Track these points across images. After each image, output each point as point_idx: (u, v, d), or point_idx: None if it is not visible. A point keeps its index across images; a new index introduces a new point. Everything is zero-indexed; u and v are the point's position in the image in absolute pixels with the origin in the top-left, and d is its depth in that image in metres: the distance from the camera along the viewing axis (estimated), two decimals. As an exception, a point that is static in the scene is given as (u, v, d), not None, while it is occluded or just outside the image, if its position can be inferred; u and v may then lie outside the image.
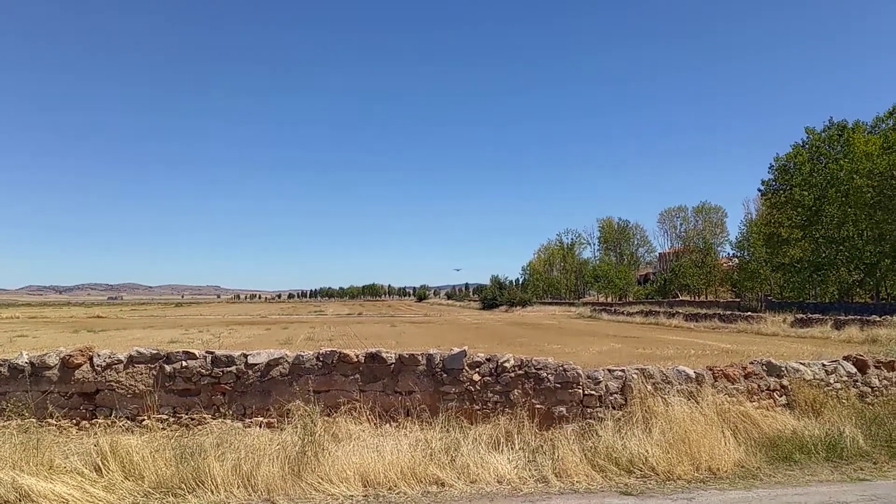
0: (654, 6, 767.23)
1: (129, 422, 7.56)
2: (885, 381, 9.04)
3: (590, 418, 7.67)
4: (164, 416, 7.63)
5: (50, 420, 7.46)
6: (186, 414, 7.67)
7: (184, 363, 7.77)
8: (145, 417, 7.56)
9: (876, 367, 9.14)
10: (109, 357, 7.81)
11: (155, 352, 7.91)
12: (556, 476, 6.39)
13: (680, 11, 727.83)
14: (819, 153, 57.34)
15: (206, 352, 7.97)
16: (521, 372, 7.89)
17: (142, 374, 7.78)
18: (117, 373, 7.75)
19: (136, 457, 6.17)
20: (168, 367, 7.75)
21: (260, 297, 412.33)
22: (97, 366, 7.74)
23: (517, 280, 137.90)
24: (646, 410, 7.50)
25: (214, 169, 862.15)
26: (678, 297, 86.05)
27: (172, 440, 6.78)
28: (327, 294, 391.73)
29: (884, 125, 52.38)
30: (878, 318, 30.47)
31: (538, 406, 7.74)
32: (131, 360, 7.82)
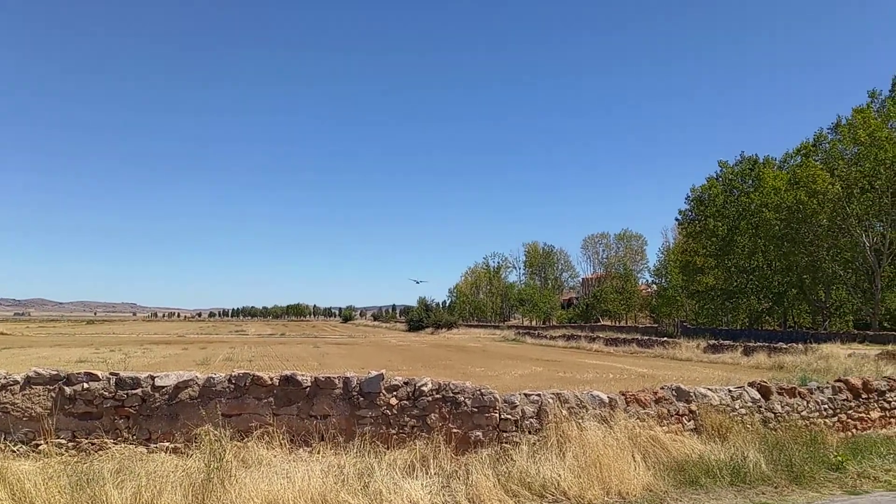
0: (584, 42, 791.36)
1: (23, 446, 7.13)
2: (787, 408, 9.41)
3: (506, 443, 7.68)
4: (63, 441, 7.23)
5: (-66, 445, 6.96)
6: (87, 438, 7.29)
7: (85, 385, 7.40)
8: (41, 442, 7.15)
9: (779, 394, 9.52)
10: (5, 377, 7.37)
11: (55, 373, 7.50)
12: (470, 502, 6.35)
13: (608, 46, 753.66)
14: (732, 186, 60.30)
15: (111, 373, 7.62)
16: (438, 396, 7.86)
17: (40, 395, 7.36)
18: (13, 394, 7.31)
19: (28, 484, 5.79)
20: (68, 389, 7.36)
21: (179, 316, 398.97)
22: (-10, 387, 7.28)
23: (444, 302, 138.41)
24: (560, 435, 7.58)
25: (129, 176, 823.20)
26: (600, 321, 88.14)
27: (69, 466, 6.43)
28: (250, 313, 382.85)
29: (792, 161, 55.44)
30: (785, 346, 31.94)
31: (455, 430, 7.72)
32: (28, 382, 7.40)
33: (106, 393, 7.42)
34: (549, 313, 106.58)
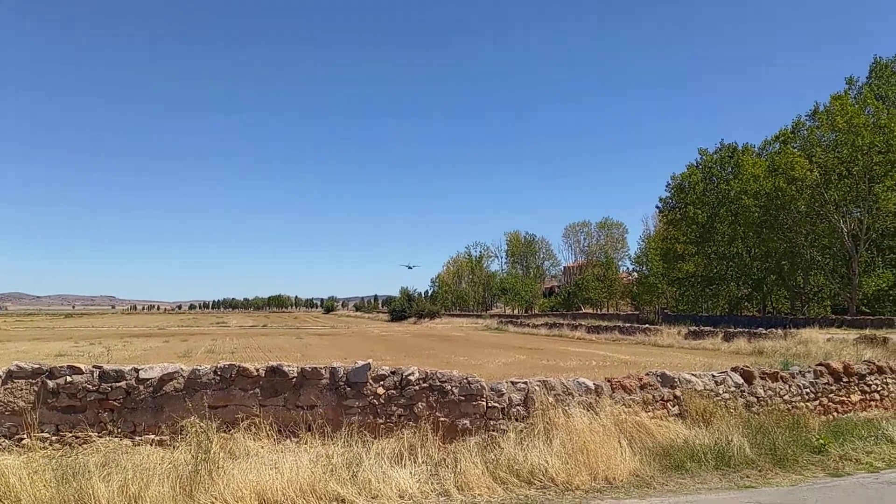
0: (566, 33, 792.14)
1: (6, 441, 7.04)
2: (769, 392, 9.52)
3: (493, 430, 7.70)
4: (46, 435, 7.14)
5: (-86, 441, 6.85)
6: (71, 432, 7.22)
7: (68, 378, 7.31)
8: (25, 436, 7.06)
9: (761, 378, 9.62)
10: (-15, 372, 7.27)
11: (37, 366, 7.40)
12: (458, 489, 6.39)
13: (587, 40, 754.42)
14: (711, 173, 60.73)
15: (94, 366, 7.53)
16: (425, 385, 7.86)
17: (22, 389, 7.26)
18: (-6, 389, 7.21)
19: (13, 478, 5.73)
20: (51, 383, 7.27)
21: (159, 309, 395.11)
22: (-30, 382, 7.17)
23: (426, 292, 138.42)
24: (547, 422, 7.61)
25: (106, 170, 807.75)
26: (581, 309, 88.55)
27: (54, 460, 6.35)
28: (231, 305, 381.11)
29: (771, 149, 55.93)
30: (765, 331, 32.29)
31: (442, 419, 7.72)
32: (10, 375, 7.30)
33: (89, 386, 7.33)
34: (531, 302, 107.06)
